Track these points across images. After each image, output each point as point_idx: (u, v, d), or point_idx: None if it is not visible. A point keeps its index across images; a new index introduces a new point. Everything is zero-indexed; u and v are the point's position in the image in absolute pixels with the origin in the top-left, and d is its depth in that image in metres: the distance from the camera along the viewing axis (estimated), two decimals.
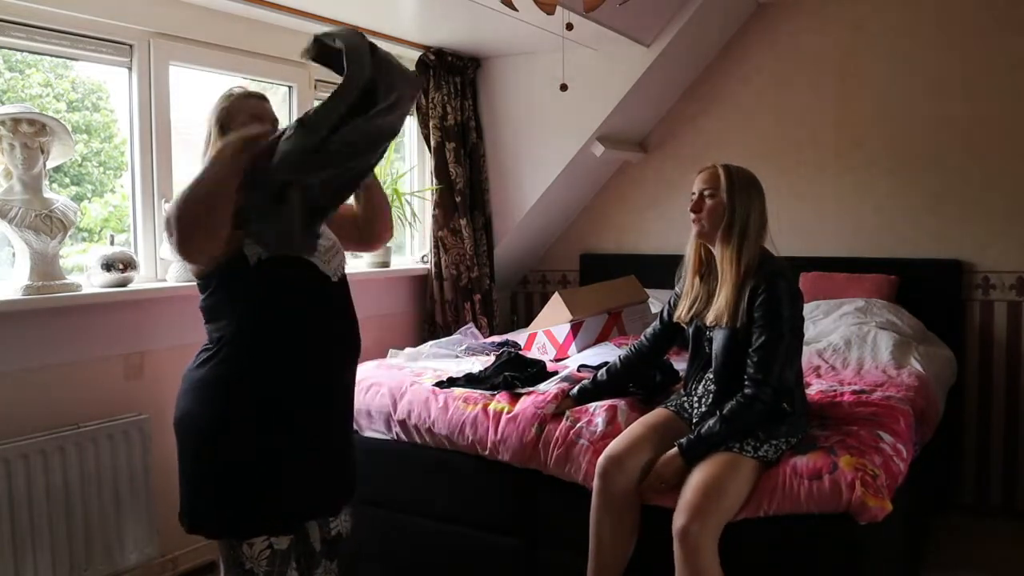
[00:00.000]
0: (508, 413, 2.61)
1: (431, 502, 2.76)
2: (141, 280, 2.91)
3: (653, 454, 2.29)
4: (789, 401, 2.25)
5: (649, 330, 2.63)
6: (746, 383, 2.23)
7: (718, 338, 2.34)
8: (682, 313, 2.45)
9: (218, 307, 1.94)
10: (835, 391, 2.72)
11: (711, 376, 2.38)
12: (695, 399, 2.43)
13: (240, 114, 1.99)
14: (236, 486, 1.92)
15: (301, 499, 1.98)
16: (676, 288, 2.53)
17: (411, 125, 4.30)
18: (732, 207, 2.29)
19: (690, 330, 2.46)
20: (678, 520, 2.10)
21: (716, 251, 2.34)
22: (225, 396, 1.93)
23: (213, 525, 1.97)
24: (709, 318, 2.34)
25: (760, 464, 2.19)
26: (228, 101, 2.01)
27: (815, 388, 2.80)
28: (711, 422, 2.23)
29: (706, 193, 2.34)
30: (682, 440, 2.24)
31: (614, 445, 2.33)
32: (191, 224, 1.78)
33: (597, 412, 2.53)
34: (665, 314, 2.57)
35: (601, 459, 2.31)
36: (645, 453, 2.29)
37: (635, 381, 2.68)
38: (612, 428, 2.46)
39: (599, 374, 2.66)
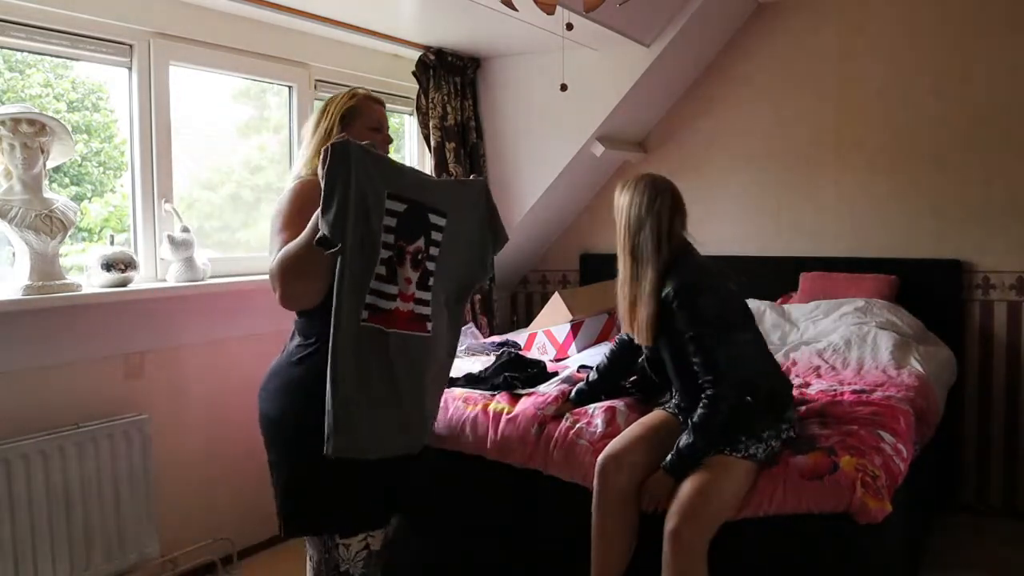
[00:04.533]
0: (508, 414, 2.62)
1: (433, 502, 2.75)
2: (141, 280, 2.90)
3: (651, 454, 2.29)
4: (752, 393, 2.24)
5: (608, 350, 2.66)
6: (704, 387, 2.23)
7: (665, 354, 2.37)
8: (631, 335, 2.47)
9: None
10: (835, 391, 2.72)
11: (674, 389, 2.44)
12: (676, 407, 2.46)
13: (362, 116, 2.05)
14: (348, 483, 1.92)
15: (397, 492, 2.02)
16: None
17: (411, 125, 4.30)
18: (627, 229, 2.33)
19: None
20: (670, 522, 2.11)
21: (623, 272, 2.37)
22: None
23: (315, 524, 1.97)
24: (638, 340, 2.38)
25: (753, 464, 2.18)
26: (355, 100, 2.07)
27: (815, 388, 2.80)
28: (685, 436, 2.22)
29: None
30: (665, 461, 2.24)
31: (613, 445, 2.34)
32: (293, 280, 1.86)
33: (596, 413, 2.54)
34: (623, 332, 2.57)
35: (600, 458, 2.32)
36: (643, 453, 2.30)
37: (624, 379, 2.70)
38: (611, 429, 2.47)
39: (590, 375, 2.68)
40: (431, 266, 2.03)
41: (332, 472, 1.91)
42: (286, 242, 1.89)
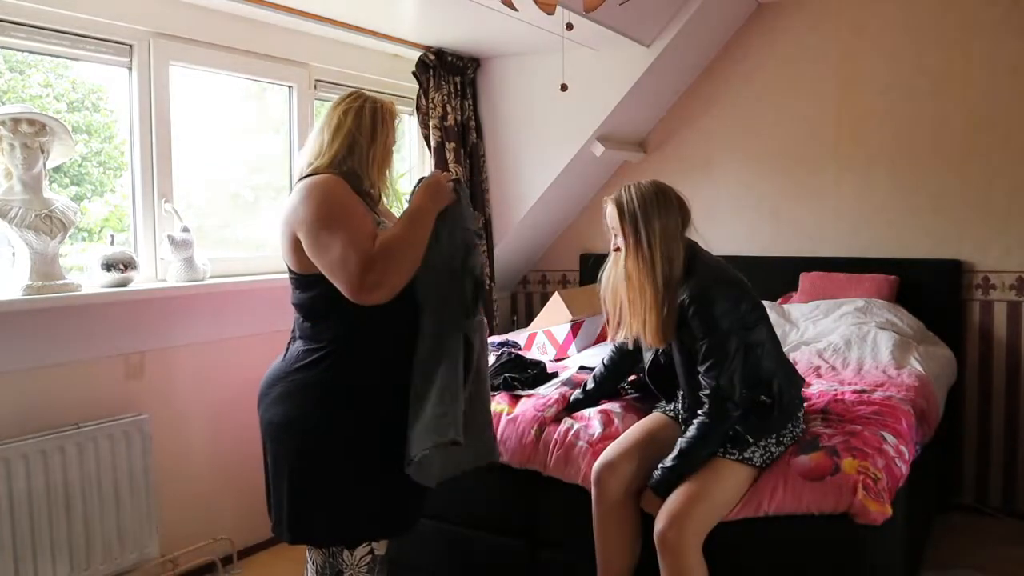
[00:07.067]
0: (508, 415, 2.62)
1: (431, 503, 2.75)
2: (141, 280, 2.91)
3: (647, 459, 2.28)
4: (768, 393, 2.22)
5: (606, 357, 2.64)
6: (702, 401, 2.20)
7: (675, 354, 2.33)
8: (626, 338, 2.41)
9: (323, 305, 1.89)
10: (835, 391, 2.72)
11: (681, 395, 2.40)
12: (679, 405, 2.44)
13: (389, 128, 2.04)
14: (352, 492, 1.89)
15: (411, 501, 2.01)
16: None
17: (411, 125, 4.30)
18: (636, 236, 2.25)
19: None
20: (657, 526, 2.12)
21: (633, 276, 2.27)
22: (343, 399, 1.89)
23: (323, 533, 1.93)
24: (643, 341, 2.33)
25: (750, 468, 2.17)
26: (388, 112, 2.04)
27: (816, 388, 2.80)
28: (669, 458, 2.19)
29: (614, 232, 2.32)
30: (651, 481, 2.22)
31: (607, 452, 2.34)
32: (398, 275, 1.86)
33: (593, 415, 2.55)
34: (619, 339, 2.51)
35: (595, 466, 2.32)
36: (639, 458, 2.29)
37: (617, 390, 2.69)
38: (610, 430, 2.47)
39: (588, 383, 2.67)
40: None
41: (347, 481, 1.88)
42: (351, 237, 1.81)
